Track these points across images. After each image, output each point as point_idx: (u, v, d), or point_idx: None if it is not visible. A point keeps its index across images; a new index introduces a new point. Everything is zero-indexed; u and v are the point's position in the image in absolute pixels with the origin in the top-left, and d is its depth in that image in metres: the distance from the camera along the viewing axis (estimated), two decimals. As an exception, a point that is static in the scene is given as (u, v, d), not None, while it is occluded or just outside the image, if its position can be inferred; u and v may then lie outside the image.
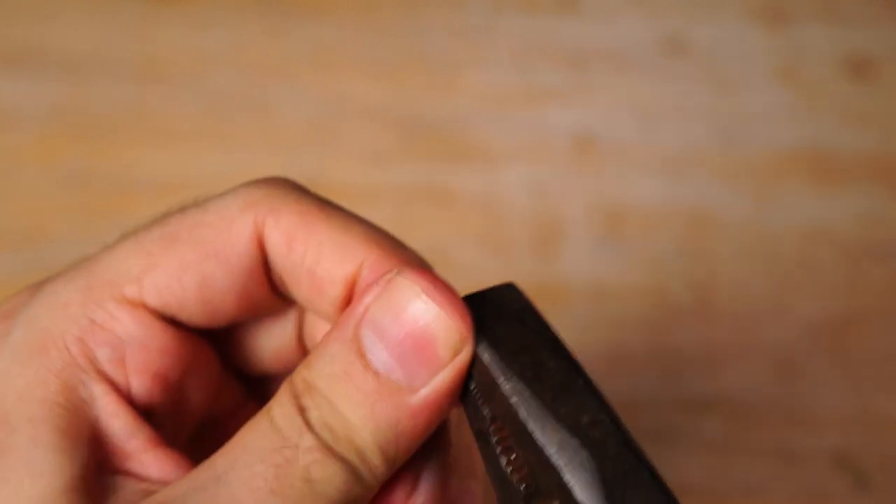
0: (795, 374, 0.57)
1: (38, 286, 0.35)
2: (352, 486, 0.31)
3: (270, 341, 0.37)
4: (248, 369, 0.38)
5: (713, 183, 0.65)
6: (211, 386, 0.36)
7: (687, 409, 0.55)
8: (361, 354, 0.32)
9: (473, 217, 0.62)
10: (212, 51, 0.68)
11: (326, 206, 0.34)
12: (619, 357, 0.55)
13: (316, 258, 0.34)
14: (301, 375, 0.32)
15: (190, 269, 0.33)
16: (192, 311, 0.34)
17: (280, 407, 0.31)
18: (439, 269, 0.62)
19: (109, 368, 0.33)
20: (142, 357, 0.33)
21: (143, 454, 0.33)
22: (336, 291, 0.34)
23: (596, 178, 0.65)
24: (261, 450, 0.31)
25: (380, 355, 0.32)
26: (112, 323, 0.33)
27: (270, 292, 0.35)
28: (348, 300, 0.34)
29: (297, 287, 0.34)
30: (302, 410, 0.31)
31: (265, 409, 0.32)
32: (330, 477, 0.31)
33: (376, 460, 0.31)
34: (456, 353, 0.32)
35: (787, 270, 0.61)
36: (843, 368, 0.57)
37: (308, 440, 0.31)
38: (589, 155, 0.65)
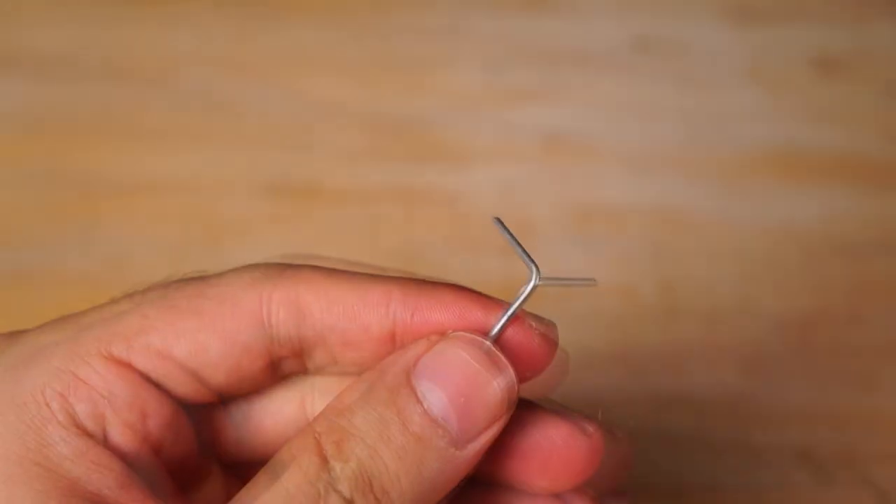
0: (761, 371, 0.58)
1: (15, 335, 0.34)
2: None
3: (259, 424, 0.36)
4: (225, 453, 0.36)
5: (681, 182, 0.65)
6: (186, 461, 0.35)
7: (653, 406, 0.55)
8: (418, 400, 0.32)
9: (443, 216, 0.63)
10: (181, 51, 0.68)
11: (326, 269, 0.34)
12: (587, 355, 0.56)
13: (337, 316, 0.33)
14: (336, 423, 0.31)
15: (185, 338, 0.33)
16: (180, 378, 0.33)
17: (296, 470, 0.31)
18: (410, 269, 0.62)
19: (90, 424, 0.32)
20: (122, 417, 0.32)
21: None
22: (370, 342, 0.34)
23: (565, 177, 0.65)
24: None
25: (438, 403, 0.32)
26: (95, 379, 0.32)
27: (265, 370, 0.34)
28: (383, 351, 0.34)
29: (319, 349, 0.34)
30: (326, 467, 0.31)
31: (271, 471, 0.31)
32: None
33: None
34: (508, 407, 0.32)
35: (753, 268, 0.62)
36: (809, 365, 0.58)
37: (332, 501, 0.30)
38: (558, 154, 0.66)
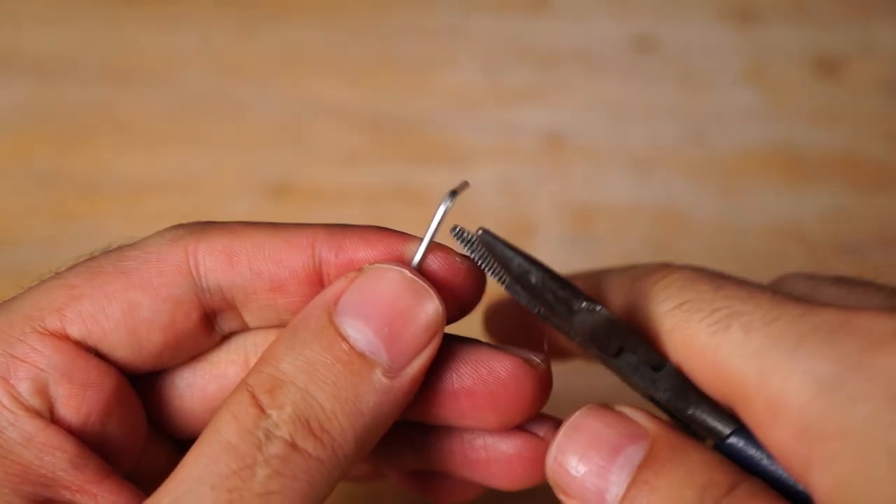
0: (761, 370, 0.58)
1: None
2: (316, 479, 0.31)
3: (203, 390, 0.36)
4: (173, 425, 0.36)
5: (682, 181, 0.65)
6: (136, 433, 0.35)
7: (654, 406, 0.55)
8: (344, 338, 0.32)
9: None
10: (182, 52, 0.68)
11: (248, 223, 0.34)
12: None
13: (263, 260, 0.33)
14: (265, 373, 0.31)
15: (115, 298, 0.33)
16: (117, 341, 0.33)
17: (233, 422, 0.31)
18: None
19: (35, 402, 0.32)
20: (65, 390, 0.32)
21: (93, 486, 0.32)
22: (298, 285, 0.34)
23: (566, 176, 0.65)
24: (212, 476, 0.30)
25: (364, 338, 0.32)
26: (33, 356, 0.32)
27: (201, 325, 0.34)
28: (313, 294, 0.34)
29: (251, 298, 0.34)
30: (263, 416, 0.31)
31: (212, 429, 0.31)
32: (291, 482, 0.30)
33: (349, 447, 0.31)
34: (435, 333, 0.33)
35: (754, 267, 0.62)
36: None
37: (271, 449, 0.30)
38: (559, 154, 0.66)
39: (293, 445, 0.30)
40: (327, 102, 0.67)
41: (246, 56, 0.68)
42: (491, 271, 0.34)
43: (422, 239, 0.34)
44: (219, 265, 0.33)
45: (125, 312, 0.33)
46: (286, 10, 0.69)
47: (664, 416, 0.34)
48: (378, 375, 0.32)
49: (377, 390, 0.32)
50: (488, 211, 0.63)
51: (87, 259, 0.34)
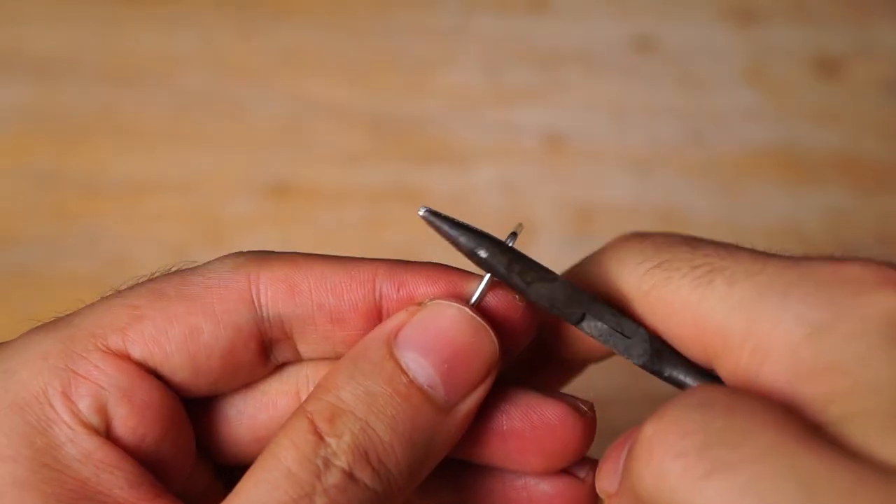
0: (762, 370, 0.58)
1: (4, 344, 0.34)
2: None
3: (253, 419, 0.36)
4: (219, 452, 0.37)
5: (682, 181, 0.65)
6: (186, 456, 0.35)
7: (653, 406, 0.55)
8: (404, 371, 0.32)
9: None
10: (182, 52, 0.68)
11: (308, 254, 0.35)
12: (588, 354, 0.56)
13: (325, 291, 0.34)
14: (325, 401, 0.32)
15: (177, 322, 0.33)
16: (177, 364, 0.33)
17: (293, 449, 0.31)
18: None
19: (94, 420, 0.32)
20: (125, 409, 0.33)
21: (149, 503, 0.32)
22: (358, 318, 0.34)
23: (566, 176, 0.65)
24: (272, 502, 0.30)
25: (424, 372, 0.32)
26: (95, 373, 0.32)
27: (257, 354, 0.34)
28: (370, 324, 0.34)
29: (309, 329, 0.34)
30: (322, 444, 0.31)
31: (270, 455, 0.31)
32: None
33: (402, 479, 0.32)
34: (491, 370, 0.33)
35: (754, 268, 0.62)
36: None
37: (330, 478, 0.31)
38: (559, 154, 0.66)
39: (351, 476, 0.31)
40: (327, 102, 0.67)
41: (246, 56, 0.68)
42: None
43: (481, 277, 0.34)
44: (280, 295, 0.34)
45: (186, 337, 0.33)
46: (286, 10, 0.69)
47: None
48: (435, 410, 0.32)
49: (433, 425, 0.32)
50: (488, 211, 0.63)
51: (148, 280, 0.35)
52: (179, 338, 0.33)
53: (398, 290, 0.34)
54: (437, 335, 0.33)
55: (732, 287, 0.31)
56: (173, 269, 0.35)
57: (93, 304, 0.34)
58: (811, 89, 0.68)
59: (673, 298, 0.33)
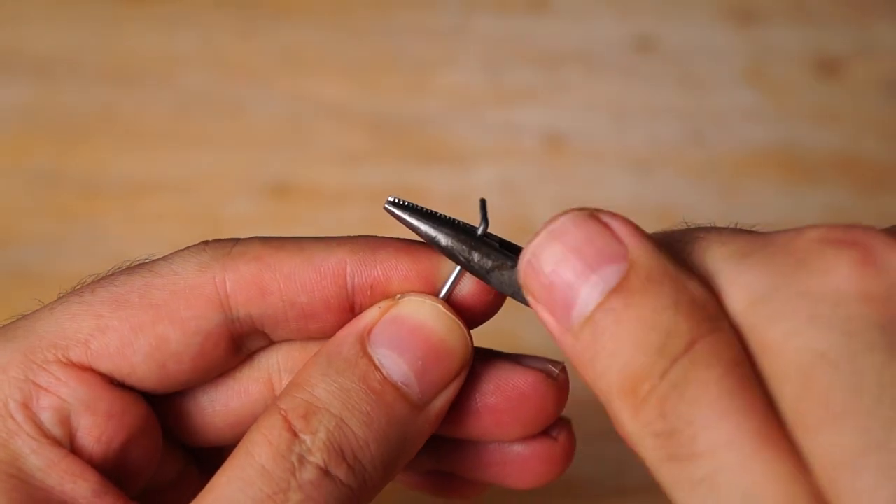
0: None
1: None
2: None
3: (226, 406, 0.36)
4: (191, 438, 0.37)
5: (682, 181, 0.65)
6: (153, 455, 0.35)
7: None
8: (377, 368, 0.32)
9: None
10: (182, 52, 0.68)
11: (274, 241, 0.35)
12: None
13: (294, 291, 0.34)
14: (298, 398, 0.32)
15: (143, 332, 0.33)
16: (144, 375, 0.33)
17: (267, 446, 0.31)
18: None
19: (57, 432, 0.32)
20: (88, 421, 0.32)
21: None
22: (330, 314, 0.34)
23: (566, 176, 0.65)
24: (246, 500, 0.30)
25: (398, 369, 0.32)
26: (56, 385, 0.32)
27: (229, 351, 0.34)
28: (344, 319, 0.34)
29: (281, 325, 0.34)
30: (297, 440, 0.31)
31: (244, 452, 0.31)
32: None
33: (377, 475, 0.32)
34: (464, 366, 0.33)
35: (754, 268, 0.62)
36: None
37: (305, 475, 0.31)
38: (559, 154, 0.66)
39: (326, 472, 0.31)
40: (327, 102, 0.67)
41: (246, 56, 0.68)
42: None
43: (454, 268, 0.34)
44: (251, 297, 0.33)
45: (153, 347, 0.33)
46: (286, 10, 0.69)
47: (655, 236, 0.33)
48: (409, 407, 0.32)
49: (407, 421, 0.32)
50: (488, 210, 0.63)
51: (108, 280, 0.34)
52: (146, 349, 0.33)
53: (371, 286, 0.34)
54: (411, 332, 0.33)
55: (704, 255, 0.30)
56: (134, 264, 0.34)
57: (52, 306, 0.34)
58: (811, 89, 0.68)
59: None
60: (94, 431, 0.32)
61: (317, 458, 0.31)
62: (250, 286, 0.33)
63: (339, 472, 0.31)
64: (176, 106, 0.66)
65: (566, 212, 0.31)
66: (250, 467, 0.31)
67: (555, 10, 0.70)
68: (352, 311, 0.34)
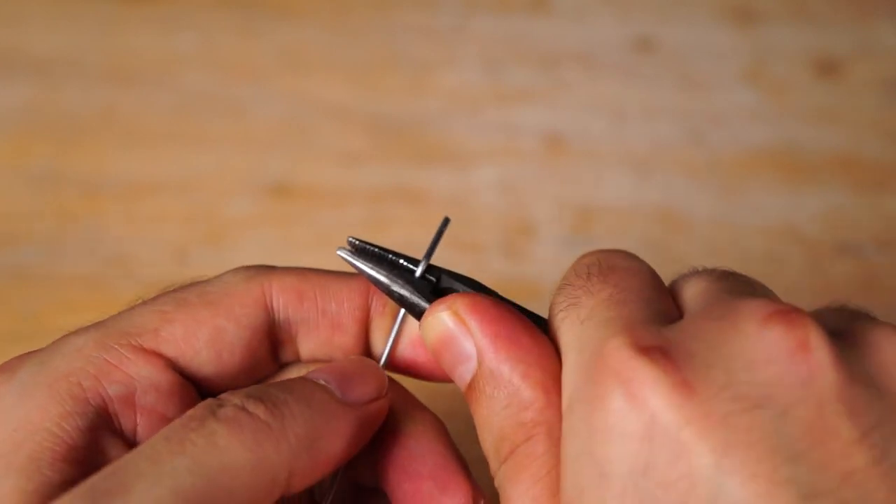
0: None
1: (38, 350, 0.36)
2: (262, 440, 0.32)
3: None
4: None
5: (682, 181, 0.65)
6: None
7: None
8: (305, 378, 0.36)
9: (444, 216, 0.63)
10: (182, 52, 0.68)
11: (310, 268, 0.39)
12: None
13: (328, 299, 0.38)
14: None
15: (204, 324, 0.37)
16: (204, 360, 0.37)
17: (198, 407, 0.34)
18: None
19: (118, 407, 0.35)
20: (152, 397, 0.35)
21: None
22: (355, 325, 0.38)
23: (566, 177, 0.65)
24: (167, 431, 0.32)
25: (321, 375, 0.37)
26: (126, 363, 0.35)
27: (269, 354, 0.38)
28: (362, 336, 0.39)
29: (313, 333, 0.38)
30: (218, 400, 0.34)
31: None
32: (237, 432, 0.32)
33: (298, 427, 0.34)
34: (379, 391, 0.37)
35: (754, 268, 0.62)
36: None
37: (222, 412, 0.33)
38: (559, 154, 0.66)
39: (242, 408, 0.33)
40: (327, 102, 0.67)
41: (246, 56, 0.68)
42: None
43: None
44: (290, 301, 0.38)
45: (212, 336, 0.37)
46: (286, 11, 0.69)
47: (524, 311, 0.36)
48: (329, 394, 0.35)
49: (328, 401, 0.35)
50: (488, 211, 0.63)
51: (167, 291, 0.38)
52: (206, 337, 0.36)
53: (380, 312, 0.39)
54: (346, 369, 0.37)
55: (560, 330, 0.34)
56: (188, 283, 0.38)
57: (122, 311, 0.37)
58: (811, 89, 0.68)
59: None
60: (157, 409, 0.35)
61: (235, 400, 0.33)
62: (290, 291, 0.38)
63: (258, 410, 0.33)
64: (176, 106, 0.66)
65: (441, 304, 0.35)
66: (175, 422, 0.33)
67: (555, 10, 0.71)
68: (367, 330, 0.39)
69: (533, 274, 0.61)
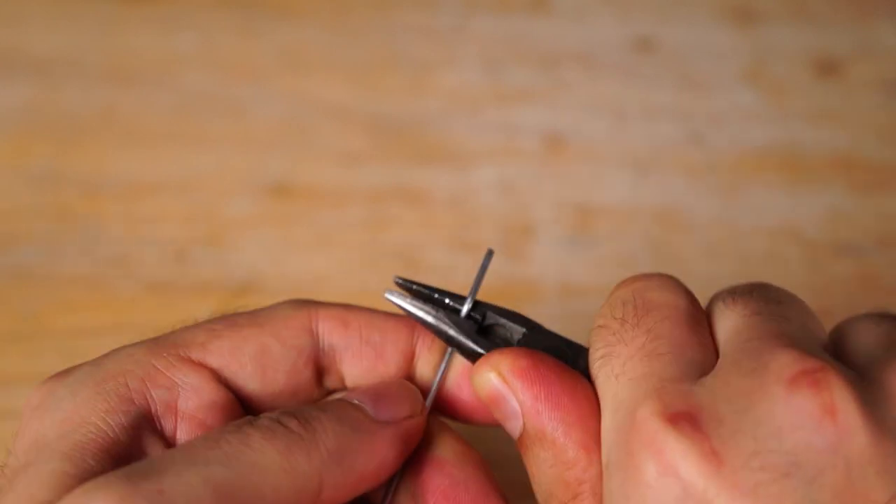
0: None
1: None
2: (294, 449, 0.34)
3: None
4: None
5: (682, 181, 0.65)
6: None
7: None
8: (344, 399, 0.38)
9: (444, 217, 0.63)
10: (183, 52, 0.68)
11: (357, 305, 0.40)
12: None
13: (372, 330, 0.39)
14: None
15: (250, 341, 0.38)
16: (249, 375, 0.38)
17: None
18: (411, 270, 0.62)
19: (161, 410, 0.36)
20: (193, 404, 0.37)
21: None
22: (396, 355, 0.40)
23: (565, 177, 0.65)
24: (201, 440, 0.34)
25: (357, 397, 0.38)
26: (171, 370, 0.37)
27: (314, 378, 0.39)
28: (405, 367, 0.40)
29: (356, 361, 0.39)
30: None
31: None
32: (270, 439, 0.34)
33: (328, 440, 0.35)
34: (413, 411, 0.38)
35: (754, 268, 0.62)
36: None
37: (258, 422, 0.34)
38: (559, 154, 0.66)
39: (277, 420, 0.35)
40: (327, 102, 0.67)
41: (246, 56, 0.68)
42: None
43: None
44: (335, 329, 0.39)
45: (258, 353, 0.38)
46: (286, 11, 0.70)
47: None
48: (361, 412, 0.37)
49: (361, 418, 0.36)
50: (488, 211, 0.63)
51: (215, 315, 0.40)
52: (252, 352, 0.38)
53: (428, 347, 0.40)
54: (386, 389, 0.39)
55: (599, 380, 0.36)
56: (239, 311, 0.40)
57: (175, 329, 0.39)
58: (811, 89, 0.68)
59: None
60: (198, 415, 0.37)
61: (269, 416, 0.35)
62: (335, 318, 0.39)
63: (291, 423, 0.34)
64: (176, 106, 0.66)
65: (486, 364, 0.37)
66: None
67: (555, 10, 0.71)
68: (411, 361, 0.40)
69: (533, 274, 0.61)
